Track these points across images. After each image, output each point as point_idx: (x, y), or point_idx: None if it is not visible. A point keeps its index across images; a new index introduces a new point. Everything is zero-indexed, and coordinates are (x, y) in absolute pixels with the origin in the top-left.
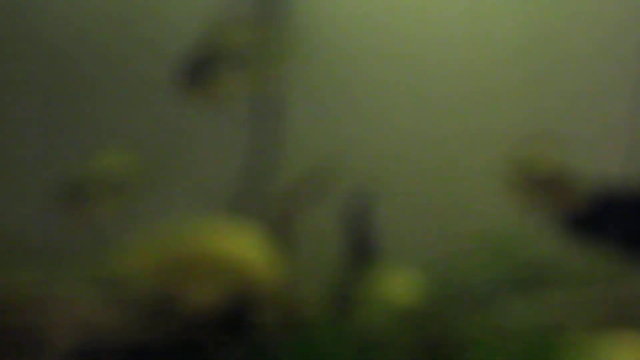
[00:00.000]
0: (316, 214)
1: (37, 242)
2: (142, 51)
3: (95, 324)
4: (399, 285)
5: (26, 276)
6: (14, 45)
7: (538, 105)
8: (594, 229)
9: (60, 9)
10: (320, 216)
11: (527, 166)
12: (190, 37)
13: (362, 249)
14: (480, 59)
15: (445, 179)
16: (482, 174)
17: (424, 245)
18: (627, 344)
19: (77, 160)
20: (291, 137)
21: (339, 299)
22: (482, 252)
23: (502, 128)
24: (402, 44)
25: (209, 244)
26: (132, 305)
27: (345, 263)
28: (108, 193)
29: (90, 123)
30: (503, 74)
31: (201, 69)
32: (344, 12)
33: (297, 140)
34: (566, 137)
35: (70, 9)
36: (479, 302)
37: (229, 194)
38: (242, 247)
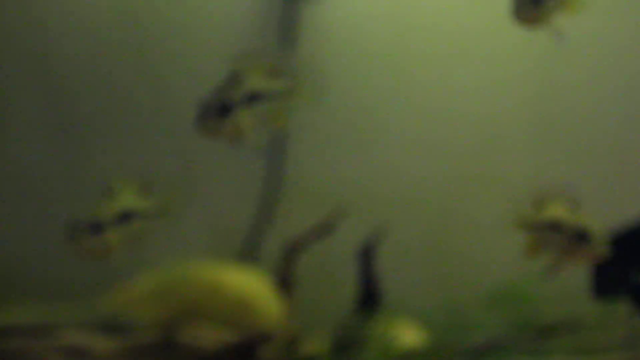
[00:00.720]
0: (321, 254)
1: (47, 277)
2: (158, 92)
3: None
4: (400, 331)
5: (33, 310)
6: (32, 85)
7: (547, 153)
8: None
9: (74, 47)
10: (325, 257)
11: (536, 220)
12: (207, 78)
13: (366, 292)
14: (490, 107)
15: (450, 225)
16: (488, 222)
17: (427, 292)
18: None
19: (91, 198)
20: (299, 179)
21: (342, 341)
22: (485, 302)
23: (510, 176)
24: (412, 89)
25: (216, 284)
26: (139, 341)
27: (351, 305)
28: (121, 230)
29: (105, 161)
30: (512, 121)
31: (220, 111)
32: (355, 57)
33: (305, 181)
34: (576, 185)
35: (82, 43)
36: (480, 352)
37: (239, 233)
38: (248, 286)
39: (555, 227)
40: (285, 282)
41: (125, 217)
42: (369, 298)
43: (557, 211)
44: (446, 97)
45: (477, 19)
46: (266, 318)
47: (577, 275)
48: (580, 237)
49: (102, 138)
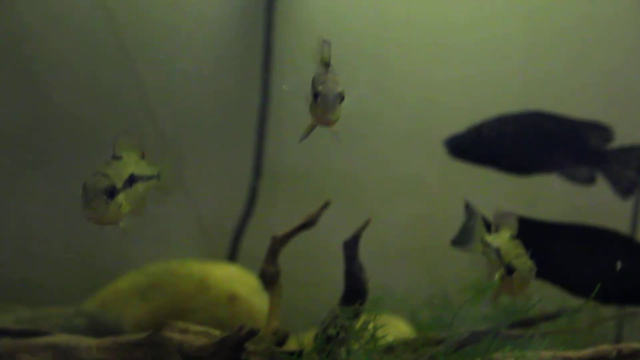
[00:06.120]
0: (308, 248)
1: (33, 279)
2: (146, 93)
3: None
4: (386, 323)
5: (21, 314)
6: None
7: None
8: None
9: (57, 50)
10: (311, 250)
11: (489, 244)
12: (192, 76)
13: (352, 285)
14: (476, 99)
15: (437, 218)
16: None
17: (414, 284)
18: None
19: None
20: (285, 169)
21: (328, 334)
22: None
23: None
24: (394, 81)
25: (202, 280)
26: (126, 339)
27: (337, 299)
28: (128, 194)
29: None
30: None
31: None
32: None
33: (291, 171)
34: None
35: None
36: (463, 342)
37: (226, 230)
38: (234, 282)
39: (498, 255)
40: (270, 277)
41: (131, 181)
42: (355, 291)
43: (501, 240)
44: (429, 90)
45: (461, 13)
46: (253, 313)
47: None
48: (508, 270)
49: (87, 139)
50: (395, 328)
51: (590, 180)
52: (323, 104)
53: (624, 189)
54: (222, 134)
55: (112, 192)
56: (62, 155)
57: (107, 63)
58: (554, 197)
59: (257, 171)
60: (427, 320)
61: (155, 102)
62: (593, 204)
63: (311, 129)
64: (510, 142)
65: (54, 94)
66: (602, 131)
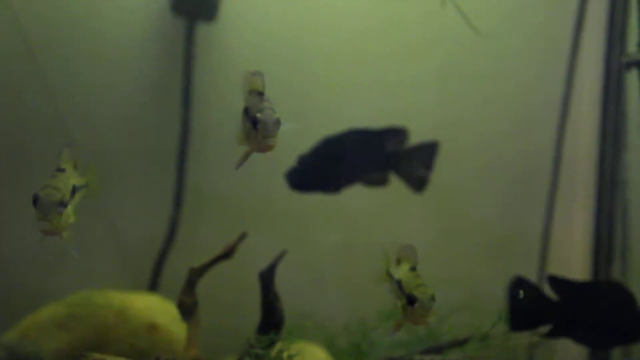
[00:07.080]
0: (227, 278)
1: None
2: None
3: None
4: (303, 351)
5: None
6: None
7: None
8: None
9: None
10: (232, 281)
11: (392, 276)
12: (113, 99)
13: (268, 314)
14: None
15: (360, 243)
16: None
17: (336, 309)
18: None
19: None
20: (206, 195)
21: None
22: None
23: None
24: (311, 109)
25: (122, 310)
26: None
27: (255, 329)
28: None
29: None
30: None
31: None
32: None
33: (212, 197)
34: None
35: None
36: None
37: (148, 259)
38: (153, 312)
39: (400, 286)
40: (188, 308)
41: (73, 192)
42: (270, 320)
43: (403, 272)
44: (344, 123)
45: (377, 49)
46: (173, 343)
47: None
48: (409, 300)
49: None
50: (312, 355)
51: (383, 182)
52: (263, 130)
53: (415, 184)
54: (143, 161)
55: (64, 204)
56: None
57: (26, 89)
58: (470, 227)
59: (179, 199)
60: (344, 347)
61: (74, 129)
62: (508, 232)
63: (247, 155)
64: (330, 163)
65: None
66: (397, 134)
